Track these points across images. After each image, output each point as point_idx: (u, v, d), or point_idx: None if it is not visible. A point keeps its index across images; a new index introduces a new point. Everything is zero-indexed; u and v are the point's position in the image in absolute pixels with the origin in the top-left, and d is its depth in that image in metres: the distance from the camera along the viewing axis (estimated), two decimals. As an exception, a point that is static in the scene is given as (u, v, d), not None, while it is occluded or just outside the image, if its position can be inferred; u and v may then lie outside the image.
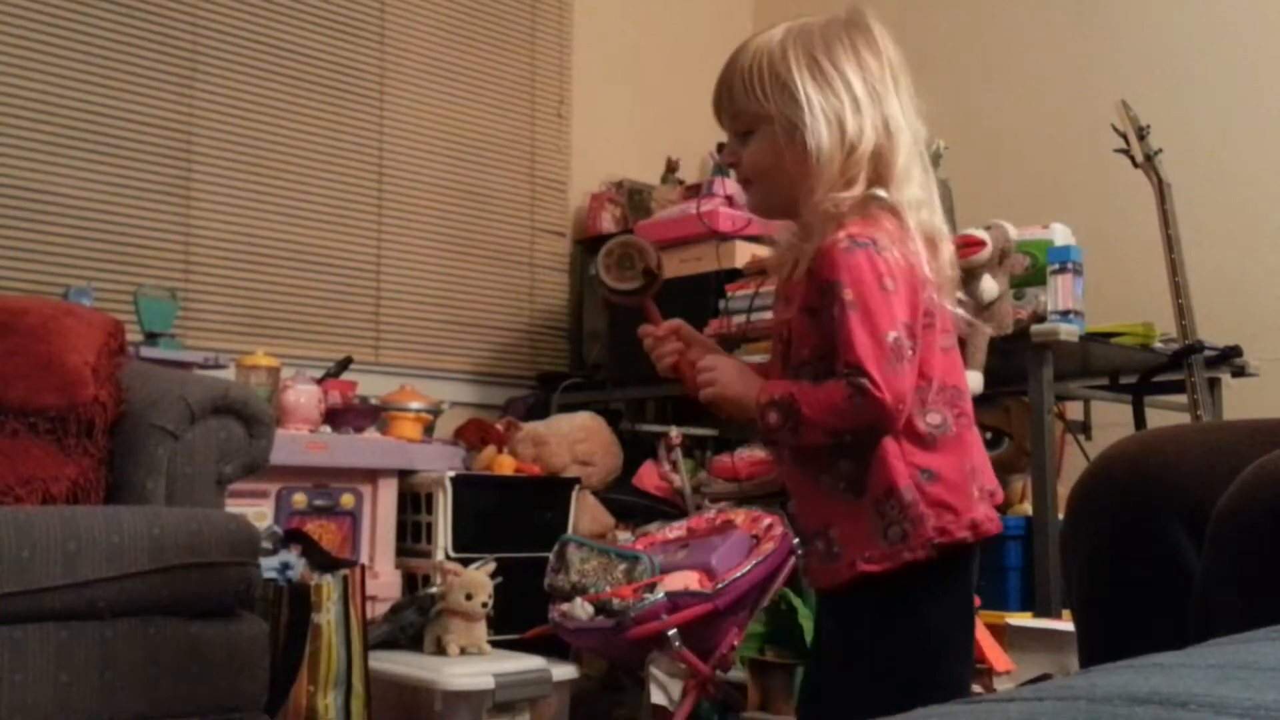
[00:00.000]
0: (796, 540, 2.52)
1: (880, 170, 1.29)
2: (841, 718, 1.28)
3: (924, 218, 1.29)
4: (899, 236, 1.26)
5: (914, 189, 1.29)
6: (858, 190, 1.27)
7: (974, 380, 2.47)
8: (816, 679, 1.45)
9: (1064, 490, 1.46)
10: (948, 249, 1.32)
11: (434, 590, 2.46)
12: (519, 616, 2.56)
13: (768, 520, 2.40)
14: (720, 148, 4.04)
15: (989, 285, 2.49)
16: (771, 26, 1.34)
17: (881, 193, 1.27)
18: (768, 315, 2.93)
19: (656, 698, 2.20)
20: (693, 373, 1.38)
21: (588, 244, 3.77)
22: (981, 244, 2.50)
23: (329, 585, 2.17)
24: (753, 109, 1.31)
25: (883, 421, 1.23)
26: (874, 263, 1.23)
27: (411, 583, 2.81)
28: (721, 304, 3.07)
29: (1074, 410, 3.11)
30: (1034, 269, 2.61)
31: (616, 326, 3.45)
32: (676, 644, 2.16)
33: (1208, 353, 2.64)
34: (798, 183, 1.29)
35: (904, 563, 1.24)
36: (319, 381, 2.89)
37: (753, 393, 1.29)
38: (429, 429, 3.05)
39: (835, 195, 1.26)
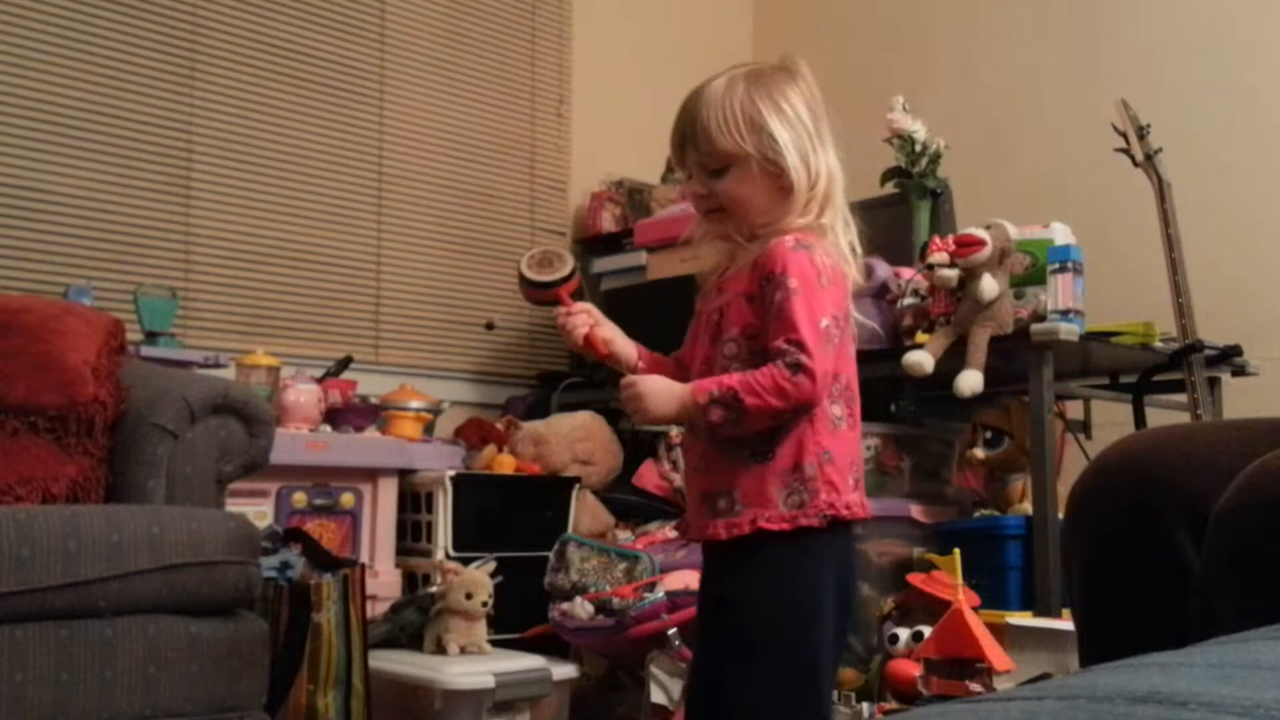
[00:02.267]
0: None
1: (827, 201, 1.49)
2: (723, 659, 1.45)
3: (845, 239, 1.51)
4: (830, 250, 1.48)
5: (840, 217, 1.51)
6: (811, 218, 1.47)
7: (973, 379, 2.47)
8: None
9: (1064, 490, 1.47)
10: (854, 270, 1.53)
11: (434, 589, 2.46)
12: (519, 616, 2.56)
13: (768, 520, 2.40)
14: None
15: (989, 284, 2.49)
16: (717, 76, 1.54)
17: (824, 221, 1.49)
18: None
19: (656, 697, 2.20)
20: (604, 347, 1.58)
21: (588, 243, 3.77)
22: (981, 243, 2.50)
23: (329, 584, 2.17)
24: (728, 148, 1.48)
25: (813, 397, 1.41)
26: (814, 262, 1.44)
27: (411, 582, 2.81)
28: (721, 303, 3.06)
29: (1074, 410, 3.11)
30: (1034, 268, 2.61)
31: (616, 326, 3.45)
32: (676, 643, 2.16)
33: (1208, 352, 2.64)
34: (765, 211, 1.48)
35: (799, 526, 1.41)
36: (319, 381, 2.89)
37: (683, 400, 1.44)
38: (429, 428, 3.05)
39: (794, 221, 1.47)
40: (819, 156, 1.48)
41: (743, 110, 1.48)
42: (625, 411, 1.54)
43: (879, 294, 2.82)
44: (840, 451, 1.45)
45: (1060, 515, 1.27)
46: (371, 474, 2.79)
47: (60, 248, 2.89)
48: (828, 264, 1.45)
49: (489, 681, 2.22)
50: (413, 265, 3.53)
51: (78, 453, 2.02)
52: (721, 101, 1.49)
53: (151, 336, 2.63)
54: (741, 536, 1.43)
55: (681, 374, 1.60)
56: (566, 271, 1.63)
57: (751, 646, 1.43)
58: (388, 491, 2.82)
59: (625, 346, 1.61)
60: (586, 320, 1.59)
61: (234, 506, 2.15)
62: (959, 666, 2.10)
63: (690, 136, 1.52)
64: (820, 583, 1.44)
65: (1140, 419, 2.65)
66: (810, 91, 1.52)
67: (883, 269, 2.83)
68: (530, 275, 1.63)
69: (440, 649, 2.33)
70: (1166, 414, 2.72)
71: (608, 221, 3.74)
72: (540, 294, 1.65)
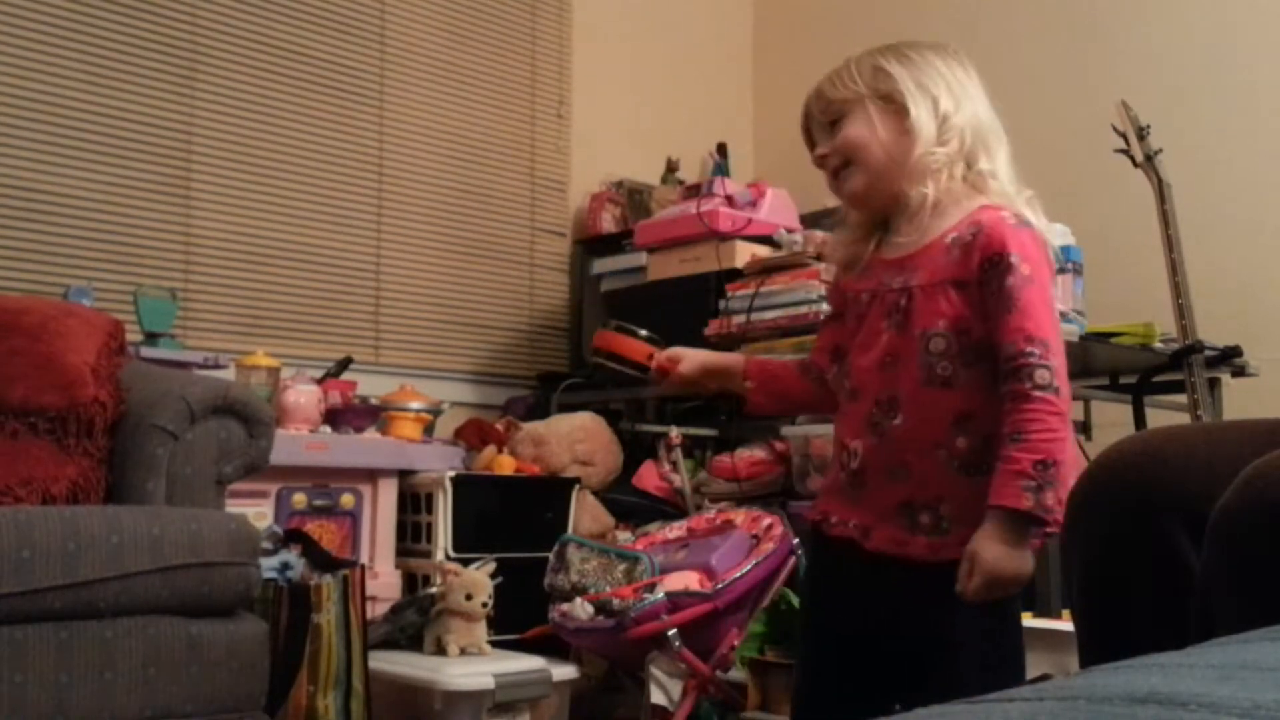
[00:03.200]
0: (797, 540, 2.52)
1: (977, 146, 1.36)
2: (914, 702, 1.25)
3: (1024, 197, 1.36)
4: (1040, 221, 1.34)
5: (1008, 173, 1.36)
6: (951, 149, 1.33)
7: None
8: (835, 659, 1.40)
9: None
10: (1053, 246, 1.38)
11: (434, 590, 2.46)
12: (519, 616, 2.56)
13: (767, 520, 2.40)
14: (721, 148, 4.05)
15: (989, 285, 2.48)
16: None
17: (983, 163, 1.34)
18: (768, 315, 2.93)
19: (656, 698, 2.20)
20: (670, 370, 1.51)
21: (588, 244, 3.77)
22: (981, 244, 2.49)
23: (329, 585, 2.17)
24: (842, 95, 1.39)
25: (1068, 400, 1.26)
26: (1040, 243, 1.30)
27: (411, 583, 2.81)
28: (721, 304, 3.07)
29: (1074, 410, 3.10)
30: (1034, 269, 2.61)
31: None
32: (676, 644, 2.16)
33: (1208, 353, 2.64)
34: (894, 153, 1.35)
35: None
36: (319, 381, 2.89)
37: (1012, 530, 1.22)
38: (429, 429, 3.05)
39: (936, 151, 1.32)
40: (948, 95, 1.37)
41: (858, 62, 1.41)
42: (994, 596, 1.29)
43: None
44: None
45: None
46: (371, 475, 2.79)
47: (60, 248, 2.89)
48: (1047, 241, 1.32)
49: (489, 682, 2.22)
50: (413, 265, 3.53)
51: (78, 453, 2.02)
52: (835, 70, 1.43)
53: (151, 337, 2.63)
54: (950, 561, 1.26)
55: (809, 382, 1.46)
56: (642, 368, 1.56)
57: (961, 691, 1.27)
58: (387, 492, 2.81)
59: (721, 363, 1.53)
60: (675, 369, 1.53)
61: (234, 507, 2.14)
62: (959, 667, 2.09)
63: (810, 105, 1.43)
64: (1019, 609, 1.31)
65: (1140, 420, 2.65)
66: (960, 62, 1.42)
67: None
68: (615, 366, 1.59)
69: (440, 650, 2.33)
70: (1166, 414, 2.72)
71: (608, 222, 3.74)
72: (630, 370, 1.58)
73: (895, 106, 1.36)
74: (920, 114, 1.34)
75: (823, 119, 1.41)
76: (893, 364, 1.33)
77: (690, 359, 1.54)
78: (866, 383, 1.37)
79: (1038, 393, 1.23)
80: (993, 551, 1.21)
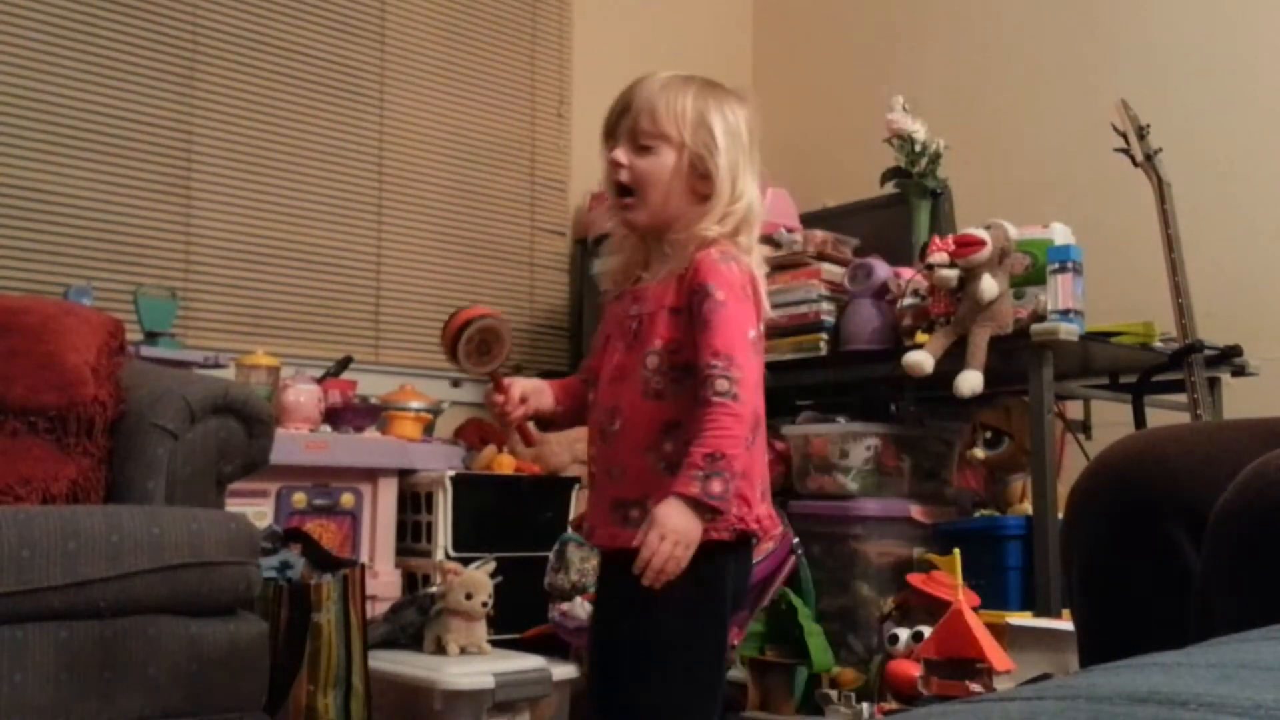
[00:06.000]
0: (797, 539, 2.53)
1: (744, 224, 1.50)
2: (628, 664, 1.44)
3: (759, 263, 1.52)
4: (753, 265, 1.49)
5: (756, 249, 1.53)
6: (726, 231, 1.48)
7: (973, 380, 2.47)
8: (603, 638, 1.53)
9: (1064, 490, 1.47)
10: (767, 303, 1.53)
11: (434, 590, 2.46)
12: (519, 616, 2.56)
13: (768, 520, 2.40)
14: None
15: (989, 284, 2.49)
16: (674, 71, 1.56)
17: (743, 238, 1.50)
18: (768, 314, 2.93)
19: (656, 697, 2.20)
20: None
21: (588, 243, 3.77)
22: (981, 243, 2.50)
23: (329, 585, 2.17)
24: (666, 129, 1.50)
25: (753, 407, 1.40)
26: (740, 271, 1.45)
27: (411, 582, 2.81)
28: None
29: (1074, 410, 3.11)
30: (1034, 268, 2.61)
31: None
32: (676, 643, 2.16)
33: (1208, 352, 2.64)
34: (681, 206, 1.49)
35: (708, 539, 1.39)
36: (319, 381, 2.89)
37: (686, 508, 1.37)
38: (429, 428, 3.05)
39: (710, 227, 1.47)
40: (746, 179, 1.50)
41: (693, 103, 1.51)
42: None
43: (879, 294, 2.82)
44: (751, 468, 1.44)
45: (1060, 515, 1.27)
46: (371, 474, 2.79)
47: (60, 248, 2.89)
48: (751, 276, 1.46)
49: (489, 682, 2.22)
50: (413, 265, 3.53)
51: (78, 453, 2.02)
52: (675, 89, 1.52)
53: (151, 336, 2.63)
54: None
55: (585, 389, 1.59)
56: (504, 358, 1.57)
57: (661, 654, 1.42)
58: (388, 492, 2.82)
59: (543, 400, 1.59)
60: (523, 411, 1.57)
61: (234, 507, 2.15)
62: (959, 666, 2.10)
63: (632, 107, 1.54)
64: (721, 594, 1.45)
65: (1140, 419, 2.65)
66: (755, 121, 1.53)
67: (883, 269, 2.83)
68: (470, 367, 1.57)
69: (440, 649, 2.33)
70: (1166, 414, 2.72)
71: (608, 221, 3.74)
72: (477, 376, 1.62)
73: (701, 172, 1.48)
74: (720, 197, 1.47)
75: (638, 134, 1.52)
76: (618, 378, 1.50)
77: (531, 390, 1.60)
78: (602, 394, 1.53)
79: (716, 399, 1.38)
80: (663, 512, 1.36)
